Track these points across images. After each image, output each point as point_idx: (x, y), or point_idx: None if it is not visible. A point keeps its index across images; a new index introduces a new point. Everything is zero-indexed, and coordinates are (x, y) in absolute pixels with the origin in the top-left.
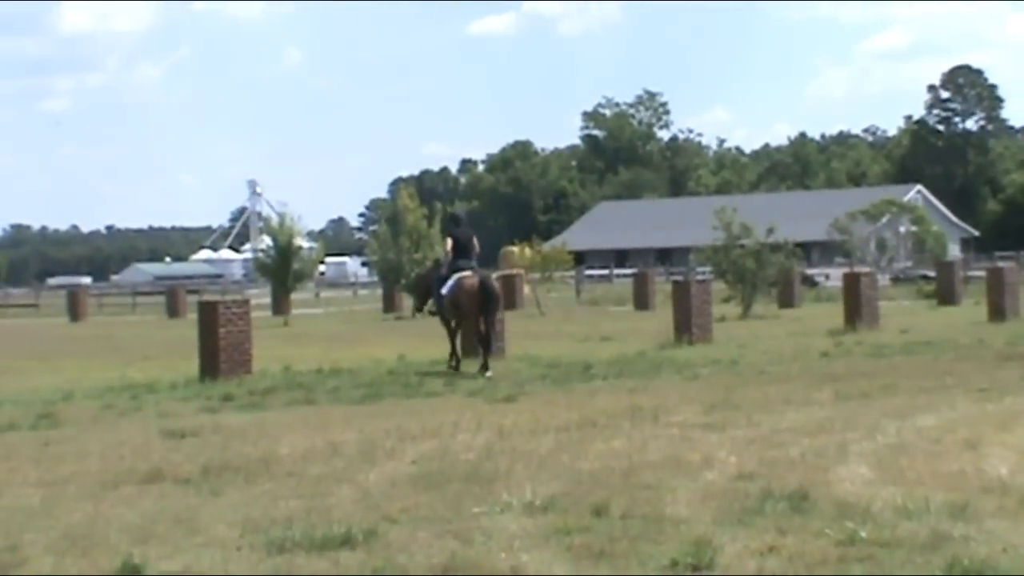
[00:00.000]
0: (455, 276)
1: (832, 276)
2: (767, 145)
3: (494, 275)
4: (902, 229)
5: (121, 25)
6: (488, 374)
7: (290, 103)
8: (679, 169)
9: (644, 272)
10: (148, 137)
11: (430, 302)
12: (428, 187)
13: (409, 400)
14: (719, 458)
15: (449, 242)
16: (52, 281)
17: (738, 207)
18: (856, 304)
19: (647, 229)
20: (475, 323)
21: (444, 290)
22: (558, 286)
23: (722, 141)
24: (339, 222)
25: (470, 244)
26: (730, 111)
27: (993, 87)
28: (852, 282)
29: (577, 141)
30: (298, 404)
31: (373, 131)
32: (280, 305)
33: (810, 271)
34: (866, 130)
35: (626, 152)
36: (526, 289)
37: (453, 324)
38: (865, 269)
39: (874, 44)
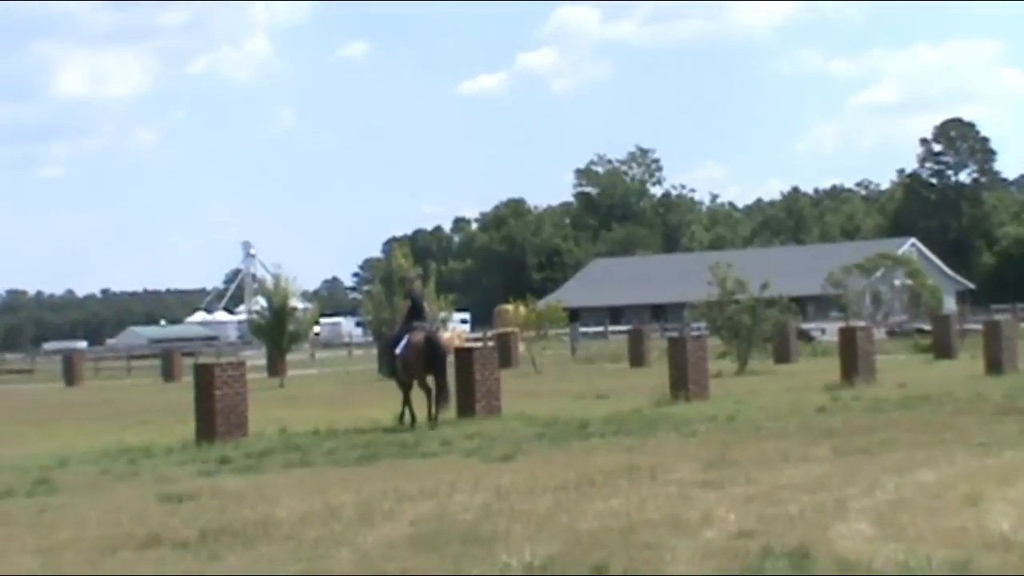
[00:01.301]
0: (406, 336)
1: (828, 331)
2: (760, 200)
3: (489, 333)
4: (897, 282)
5: (117, 90)
6: (431, 424)
7: (284, 164)
8: (672, 225)
9: (639, 329)
10: (143, 200)
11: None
12: (422, 246)
13: (406, 461)
14: (718, 516)
15: (406, 304)
16: (47, 346)
17: (732, 262)
18: (853, 358)
19: (641, 285)
20: (422, 379)
21: (397, 350)
22: (553, 344)
23: (715, 196)
24: (333, 282)
25: (422, 306)
26: (722, 166)
27: (985, 139)
28: (848, 336)
29: (570, 198)
30: (295, 466)
31: (366, 191)
32: (275, 366)
33: (806, 326)
34: (859, 184)
35: (619, 208)
36: (521, 347)
37: (408, 384)
38: (861, 323)
39: (865, 98)
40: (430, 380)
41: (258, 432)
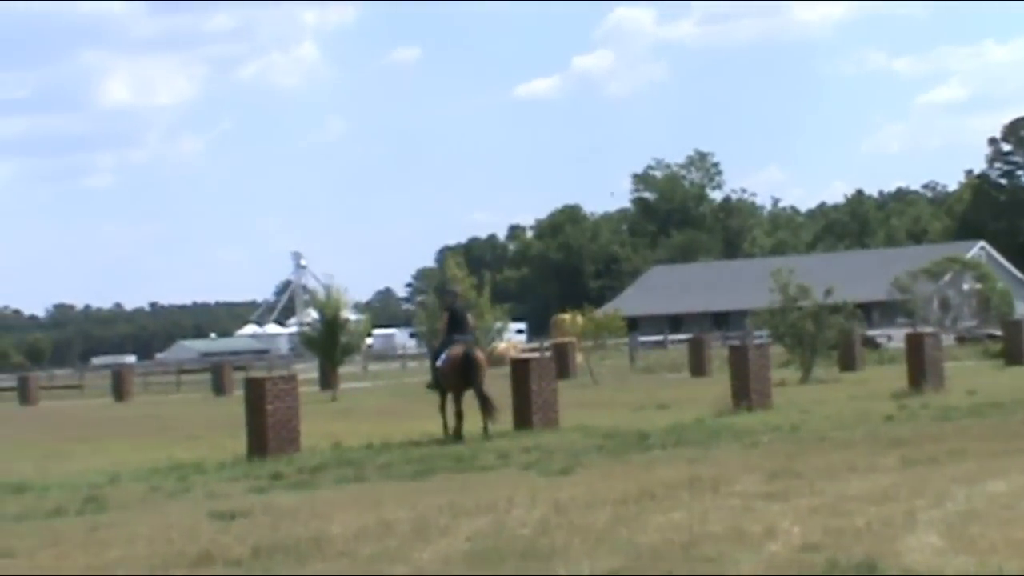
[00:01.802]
0: (447, 349)
1: (894, 337)
2: (823, 204)
3: (546, 343)
4: (965, 287)
5: (162, 98)
6: (488, 433)
7: (334, 173)
8: (733, 230)
9: (700, 337)
10: (190, 211)
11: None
12: (476, 255)
13: (462, 475)
14: (782, 529)
15: (445, 316)
16: (96, 361)
17: (795, 268)
18: (920, 366)
19: (702, 293)
20: (458, 393)
21: (438, 363)
22: (611, 354)
23: (776, 200)
24: (386, 293)
25: (464, 318)
26: (784, 169)
27: None
28: (916, 343)
29: (628, 204)
30: (348, 481)
31: (418, 199)
32: (327, 379)
33: (871, 332)
34: (925, 186)
35: (678, 214)
36: (578, 357)
37: (448, 396)
38: (928, 329)
39: (931, 97)
40: (469, 395)
41: (310, 447)
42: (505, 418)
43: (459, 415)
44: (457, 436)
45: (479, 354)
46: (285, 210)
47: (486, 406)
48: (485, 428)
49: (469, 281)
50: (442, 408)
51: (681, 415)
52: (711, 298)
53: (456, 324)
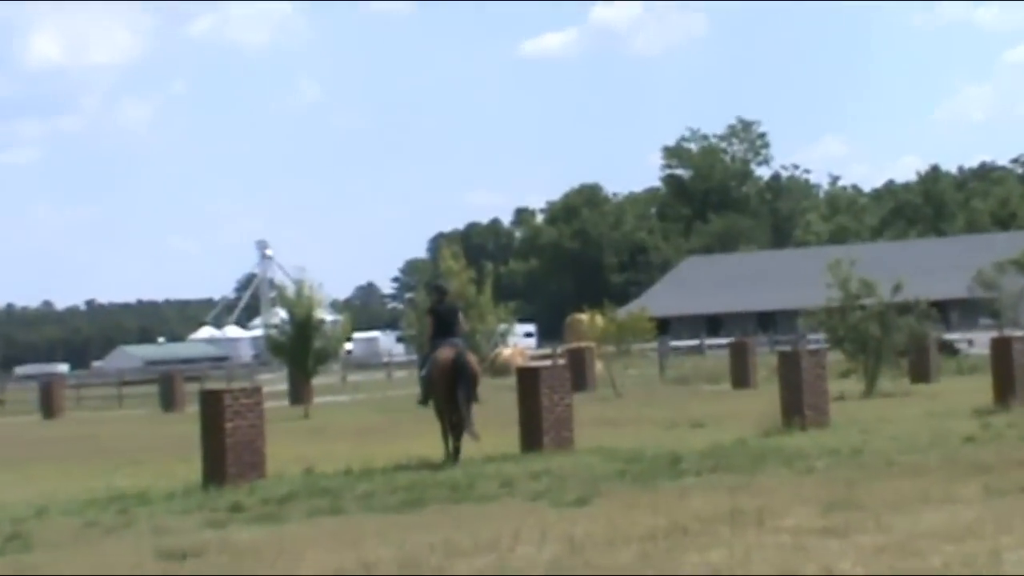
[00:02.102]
0: (432, 355)
1: (977, 342)
2: (891, 182)
3: (559, 348)
4: None
5: (101, 56)
6: (454, 461)
7: (307, 147)
8: (783, 215)
9: (743, 342)
10: (135, 192)
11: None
12: (476, 244)
13: (457, 506)
14: (841, 570)
15: (429, 320)
16: (21, 370)
17: (857, 259)
18: (1008, 376)
19: (745, 289)
20: (449, 404)
21: (423, 372)
22: (637, 361)
23: (835, 179)
24: (368, 289)
25: (454, 321)
26: (844, 142)
27: None
28: (1002, 349)
29: (657, 183)
30: (323, 514)
31: (408, 178)
32: (299, 392)
33: (949, 336)
34: (1015, 160)
35: (717, 195)
36: (598, 366)
37: (442, 410)
38: (1018, 332)
39: (1021, 55)
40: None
41: (278, 473)
42: (510, 439)
43: (447, 430)
44: (447, 458)
45: (472, 359)
46: (248, 190)
47: (464, 422)
48: (455, 450)
49: (467, 275)
50: (444, 431)
51: (720, 435)
52: (756, 295)
53: (444, 327)
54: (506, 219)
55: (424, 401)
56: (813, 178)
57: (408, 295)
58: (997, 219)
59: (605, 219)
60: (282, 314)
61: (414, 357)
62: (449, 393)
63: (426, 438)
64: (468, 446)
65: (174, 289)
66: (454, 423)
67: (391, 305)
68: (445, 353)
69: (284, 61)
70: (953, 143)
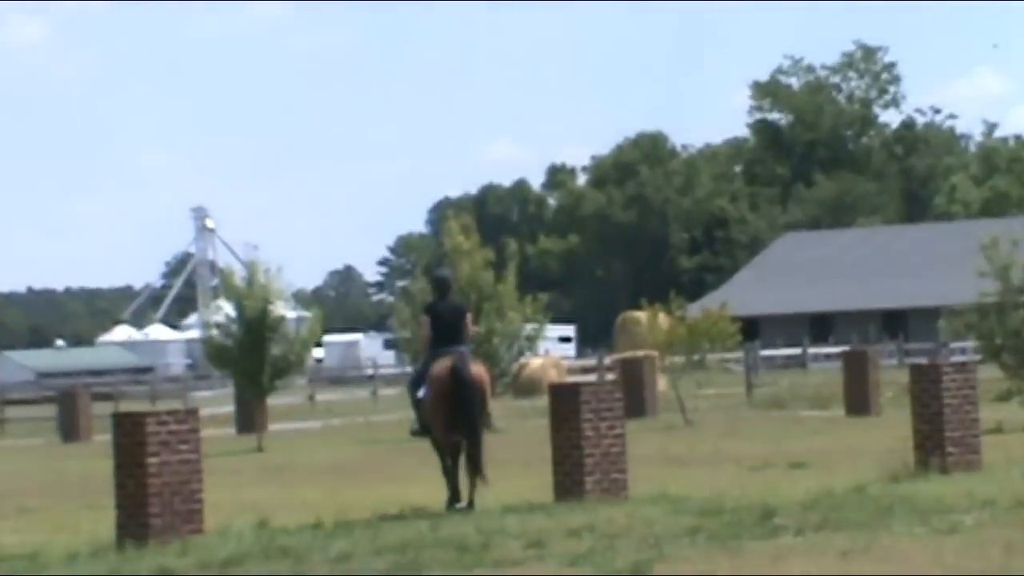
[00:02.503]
0: (428, 370)
1: None
2: None
3: (607, 359)
4: None
5: None
6: (463, 505)
7: (262, 78)
8: (918, 176)
9: (861, 351)
10: (21, 142)
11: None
12: (494, 214)
13: (468, 574)
14: None
15: (425, 322)
16: None
17: (1021, 238)
18: None
19: (864, 278)
20: (448, 433)
21: (420, 393)
22: (715, 377)
23: (992, 127)
24: (346, 276)
25: (460, 324)
26: (1004, 77)
27: None
28: None
29: (743, 132)
30: None
31: (401, 125)
32: (250, 417)
33: None
34: None
35: (827, 149)
36: (661, 383)
37: (441, 443)
38: None
39: None
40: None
41: (221, 527)
42: (539, 482)
43: (450, 466)
44: (453, 501)
45: (477, 370)
46: (181, 140)
47: (474, 459)
48: (470, 497)
49: (482, 256)
50: (445, 468)
51: (829, 479)
52: (880, 286)
53: (446, 332)
54: (536, 181)
55: (420, 431)
56: (960, 126)
57: (400, 283)
58: None
59: (671, 181)
60: (227, 309)
61: (408, 369)
62: (449, 420)
63: (424, 480)
64: (481, 492)
65: (78, 274)
66: (470, 456)
67: (377, 297)
68: (442, 365)
69: None
70: None
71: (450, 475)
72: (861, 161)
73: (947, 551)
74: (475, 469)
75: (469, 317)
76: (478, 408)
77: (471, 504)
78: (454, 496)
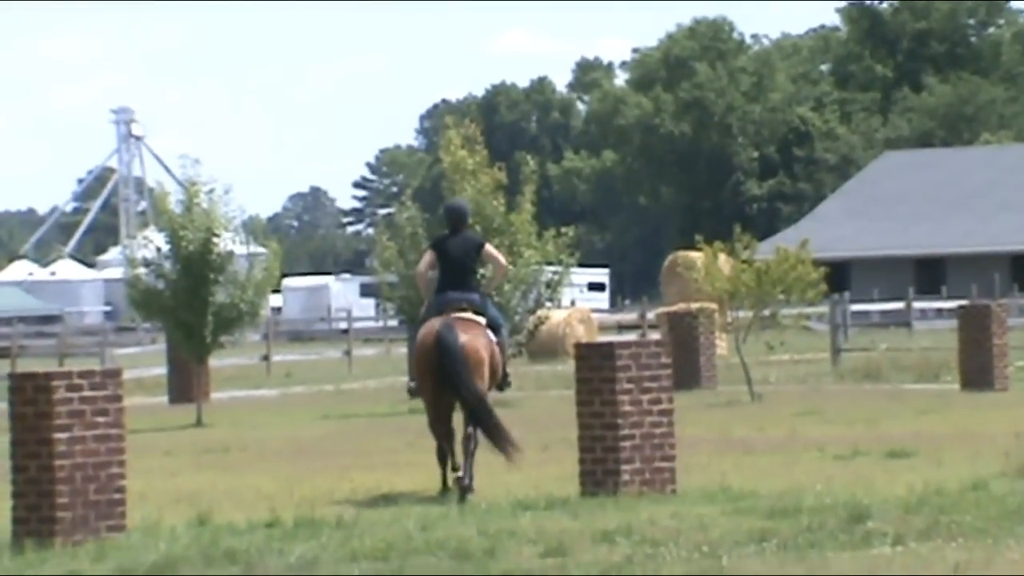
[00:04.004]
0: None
1: None
2: None
3: (651, 312)
4: None
5: None
6: (468, 493)
7: None
8: None
9: (982, 307)
10: None
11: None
12: (503, 122)
13: None
14: None
15: (428, 258)
16: None
17: None
18: None
19: (988, 211)
20: (439, 406)
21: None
22: (792, 338)
23: None
24: (313, 201)
25: (471, 264)
26: None
27: None
28: None
29: (832, 19)
30: None
31: (385, 10)
32: (186, 382)
33: None
34: None
35: (942, 42)
36: (721, 344)
37: (433, 420)
38: None
39: None
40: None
41: (148, 524)
42: (561, 471)
43: (446, 449)
44: (444, 488)
45: (469, 339)
46: (99, 23)
47: (491, 430)
48: (461, 485)
49: (491, 177)
50: (438, 450)
51: (939, 472)
52: (1008, 222)
53: (453, 273)
54: (561, 81)
55: (416, 392)
56: None
57: (383, 211)
58: None
59: (737, 83)
60: (158, 241)
61: (394, 322)
62: (436, 396)
63: (413, 467)
64: (486, 482)
65: None
66: (467, 436)
67: (352, 229)
68: (428, 328)
69: None
70: None
71: (443, 460)
72: (987, 59)
73: None
74: (467, 446)
75: (491, 252)
76: (465, 376)
77: (464, 489)
78: (446, 487)
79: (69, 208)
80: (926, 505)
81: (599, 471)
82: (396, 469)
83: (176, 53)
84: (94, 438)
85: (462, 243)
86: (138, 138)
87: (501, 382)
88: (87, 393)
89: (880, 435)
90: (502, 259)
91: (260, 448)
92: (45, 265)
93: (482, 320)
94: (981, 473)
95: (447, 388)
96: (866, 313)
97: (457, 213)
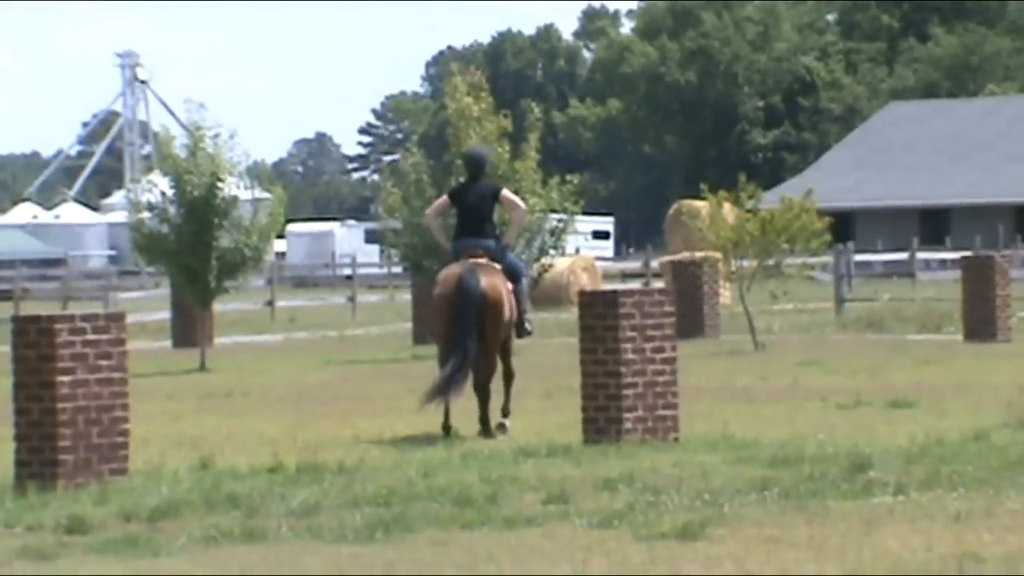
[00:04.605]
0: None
1: None
2: None
3: (656, 261)
4: None
5: None
6: (502, 430)
7: None
8: None
9: (986, 258)
10: None
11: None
12: (510, 70)
13: (468, 534)
14: None
15: (440, 203)
16: None
17: None
18: None
19: (993, 162)
20: (444, 346)
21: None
22: (796, 287)
23: None
24: (318, 147)
25: (488, 210)
26: None
27: None
28: None
29: None
30: (228, 541)
31: None
32: (190, 327)
33: None
34: None
35: None
36: (725, 294)
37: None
38: None
39: None
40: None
41: (152, 467)
42: (563, 418)
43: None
44: (446, 431)
45: (490, 282)
46: None
47: (480, 378)
48: (482, 421)
49: (496, 124)
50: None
51: (940, 422)
52: (1013, 173)
53: (469, 220)
54: (567, 29)
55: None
56: None
57: (388, 158)
58: None
59: (742, 31)
60: (163, 186)
61: (398, 269)
62: (449, 338)
63: (415, 413)
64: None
65: None
66: (477, 383)
67: (357, 175)
68: (450, 271)
69: None
70: None
71: (448, 407)
72: (993, 10)
73: None
74: (481, 404)
75: (510, 197)
76: (489, 324)
77: (488, 431)
78: (447, 421)
79: (74, 152)
80: (927, 455)
81: (601, 419)
82: (399, 415)
83: None
84: (97, 381)
85: (479, 190)
86: (143, 82)
87: (519, 329)
88: (90, 336)
89: (882, 385)
90: (520, 203)
91: (263, 393)
92: (49, 208)
93: (497, 266)
94: (983, 424)
95: (459, 323)
96: (870, 263)
97: (475, 160)
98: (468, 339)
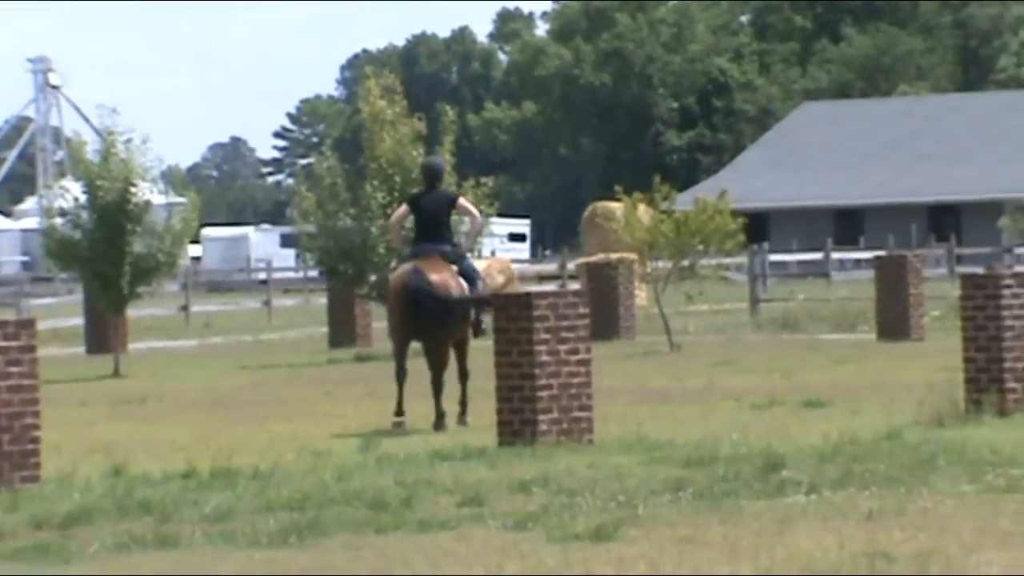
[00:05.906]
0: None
1: None
2: None
3: (571, 263)
4: None
5: None
6: (463, 424)
7: None
8: (978, 29)
9: (897, 257)
10: None
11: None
12: (425, 73)
13: (381, 538)
14: None
15: (401, 210)
16: None
17: None
18: None
19: (906, 162)
20: (404, 346)
21: None
22: (710, 288)
23: None
24: (233, 151)
25: (444, 217)
26: None
27: None
28: None
29: None
30: (143, 547)
31: None
32: (103, 333)
33: None
34: None
35: None
36: (640, 295)
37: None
38: None
39: None
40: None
41: (63, 474)
42: (479, 421)
43: (400, 381)
44: (399, 416)
45: (439, 278)
46: None
47: (435, 378)
48: (437, 414)
49: (411, 127)
50: (398, 373)
51: (853, 421)
52: (925, 173)
53: (426, 227)
54: (482, 31)
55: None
56: None
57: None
58: None
59: (657, 33)
60: (75, 191)
61: (314, 273)
62: (404, 333)
63: (329, 417)
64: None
65: None
66: (432, 381)
67: (272, 179)
68: (401, 270)
69: None
70: None
71: (401, 383)
72: (905, 10)
73: (1003, 514)
74: (435, 396)
75: (462, 203)
76: (437, 320)
77: (442, 423)
78: (399, 409)
79: None
80: (840, 454)
81: (516, 421)
82: (313, 419)
83: (94, 1)
84: (8, 388)
85: (436, 198)
86: (55, 87)
87: (476, 328)
88: (0, 343)
89: (797, 385)
90: (476, 211)
91: (177, 399)
92: None
93: (453, 267)
94: (895, 422)
95: (415, 327)
96: (784, 263)
97: (432, 170)
98: (435, 341)
